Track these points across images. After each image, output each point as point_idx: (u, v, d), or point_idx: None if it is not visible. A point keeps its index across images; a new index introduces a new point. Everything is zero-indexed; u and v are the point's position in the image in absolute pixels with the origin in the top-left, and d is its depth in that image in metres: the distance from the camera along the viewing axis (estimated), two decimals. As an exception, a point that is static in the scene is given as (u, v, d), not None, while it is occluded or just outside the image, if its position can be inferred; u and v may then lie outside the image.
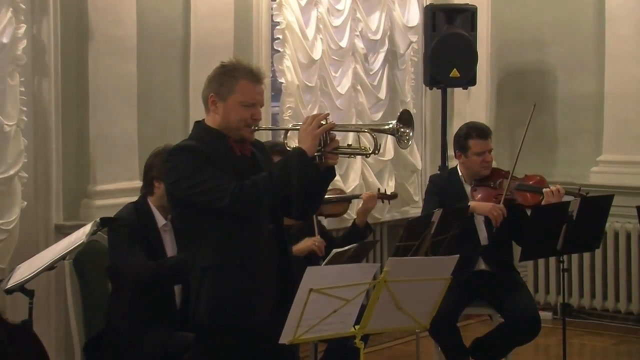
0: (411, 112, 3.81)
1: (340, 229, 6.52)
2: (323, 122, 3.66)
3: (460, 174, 5.53)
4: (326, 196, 5.49)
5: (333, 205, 5.50)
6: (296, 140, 3.70)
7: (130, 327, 4.37)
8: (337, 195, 5.62)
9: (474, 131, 5.46)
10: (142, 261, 4.32)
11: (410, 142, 3.70)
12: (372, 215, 6.08)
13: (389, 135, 3.71)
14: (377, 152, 3.69)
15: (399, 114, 3.67)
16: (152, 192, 4.52)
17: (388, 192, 5.72)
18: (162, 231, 4.50)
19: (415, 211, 7.05)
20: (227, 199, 3.58)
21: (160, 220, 4.51)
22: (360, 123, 6.61)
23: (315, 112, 5.96)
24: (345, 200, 5.64)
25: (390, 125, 3.64)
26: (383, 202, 5.62)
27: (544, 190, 5.37)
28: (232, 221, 3.65)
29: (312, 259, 4.94)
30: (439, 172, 6.84)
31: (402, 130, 3.64)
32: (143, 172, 4.61)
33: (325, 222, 6.07)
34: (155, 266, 4.33)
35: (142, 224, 4.44)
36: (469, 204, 5.32)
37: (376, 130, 3.71)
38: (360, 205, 5.47)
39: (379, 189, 5.70)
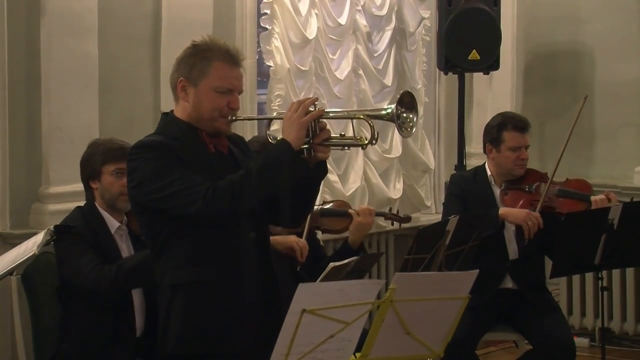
0: (421, 99, 3.79)
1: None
2: (311, 108, 3.65)
3: (488, 173, 5.56)
4: (328, 207, 5.45)
5: (335, 219, 5.41)
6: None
7: (83, 355, 4.37)
8: (337, 208, 5.49)
9: (510, 122, 5.51)
10: (98, 267, 4.32)
11: (414, 130, 3.70)
12: (376, 223, 6.05)
13: (396, 128, 3.70)
14: (374, 142, 3.69)
15: (398, 96, 3.67)
16: (93, 195, 4.55)
17: (399, 214, 5.62)
18: (117, 236, 4.52)
19: (427, 218, 7.08)
20: (198, 204, 3.57)
21: (113, 224, 4.53)
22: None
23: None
24: (345, 215, 5.48)
25: (389, 110, 3.64)
26: (393, 223, 5.56)
27: (592, 198, 5.36)
28: (206, 230, 3.65)
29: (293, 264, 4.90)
30: (455, 171, 6.84)
31: (403, 115, 3.64)
32: (80, 174, 4.64)
33: (320, 236, 6.00)
34: (114, 269, 4.33)
35: (92, 231, 4.46)
36: (499, 210, 5.29)
37: (373, 116, 3.71)
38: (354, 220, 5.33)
39: (390, 209, 5.64)
